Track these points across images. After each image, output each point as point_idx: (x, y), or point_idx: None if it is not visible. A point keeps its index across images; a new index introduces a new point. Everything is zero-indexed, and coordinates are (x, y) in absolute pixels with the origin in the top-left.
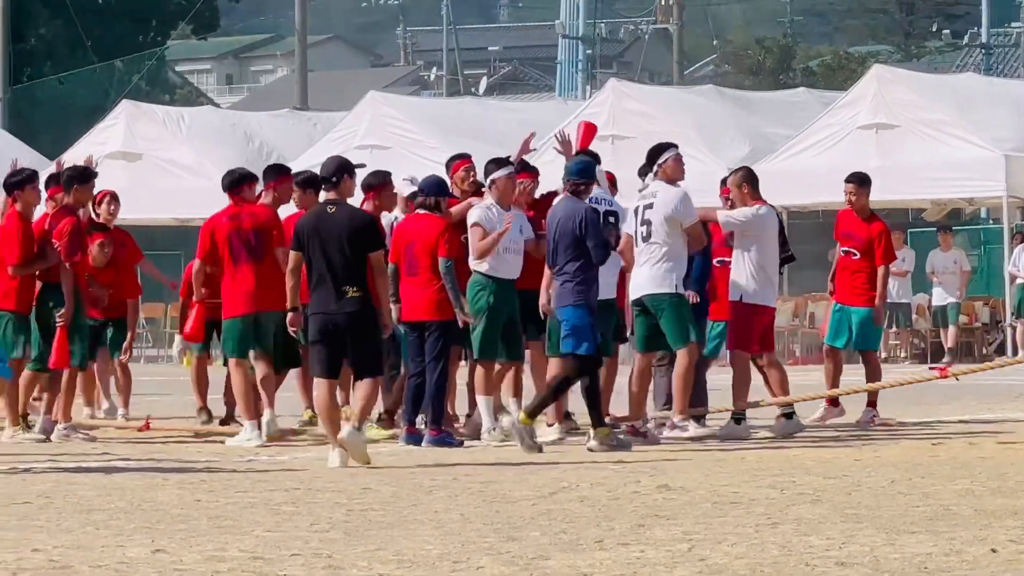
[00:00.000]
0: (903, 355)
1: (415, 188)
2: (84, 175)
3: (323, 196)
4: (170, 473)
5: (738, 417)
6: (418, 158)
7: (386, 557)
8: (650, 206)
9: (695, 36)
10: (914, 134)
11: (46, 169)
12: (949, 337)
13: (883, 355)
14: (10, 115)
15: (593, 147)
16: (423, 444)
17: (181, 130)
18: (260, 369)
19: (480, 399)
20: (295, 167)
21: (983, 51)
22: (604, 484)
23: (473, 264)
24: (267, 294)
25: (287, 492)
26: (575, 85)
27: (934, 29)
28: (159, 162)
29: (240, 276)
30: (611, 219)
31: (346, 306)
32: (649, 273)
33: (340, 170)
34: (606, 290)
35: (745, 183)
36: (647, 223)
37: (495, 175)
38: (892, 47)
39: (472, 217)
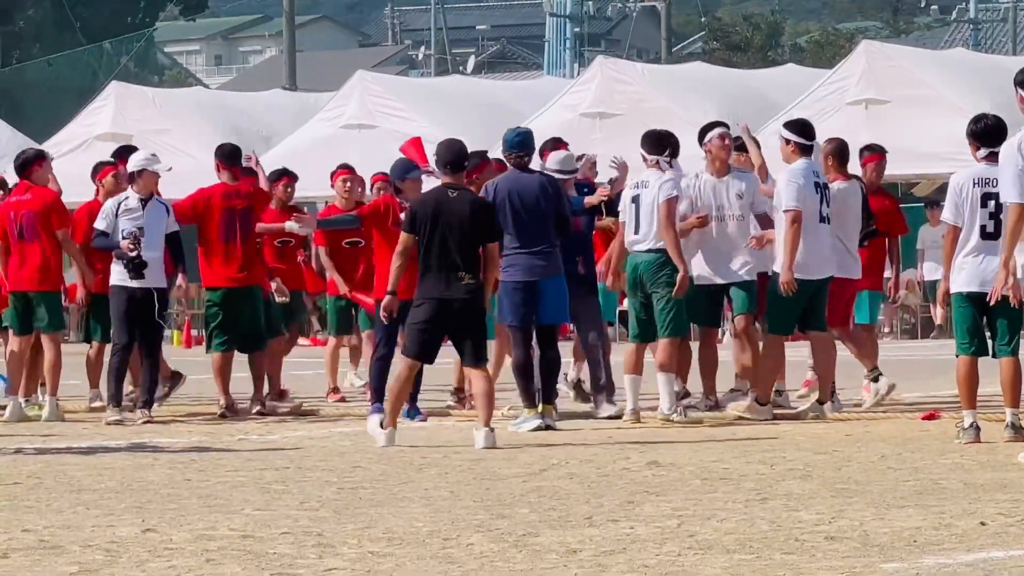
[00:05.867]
0: (887, 330)
1: (146, 165)
2: None
3: (443, 179)
4: (160, 453)
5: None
6: (406, 137)
7: (376, 535)
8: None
9: (683, 13)
10: (904, 109)
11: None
12: (937, 313)
13: None
14: None
15: (582, 124)
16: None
17: (171, 111)
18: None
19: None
20: (284, 147)
21: (971, 26)
22: (593, 461)
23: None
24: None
25: (277, 471)
26: (563, 63)
27: (922, 5)
28: (149, 143)
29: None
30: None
31: (459, 292)
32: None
33: (462, 156)
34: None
35: (831, 155)
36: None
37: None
38: (880, 23)
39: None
